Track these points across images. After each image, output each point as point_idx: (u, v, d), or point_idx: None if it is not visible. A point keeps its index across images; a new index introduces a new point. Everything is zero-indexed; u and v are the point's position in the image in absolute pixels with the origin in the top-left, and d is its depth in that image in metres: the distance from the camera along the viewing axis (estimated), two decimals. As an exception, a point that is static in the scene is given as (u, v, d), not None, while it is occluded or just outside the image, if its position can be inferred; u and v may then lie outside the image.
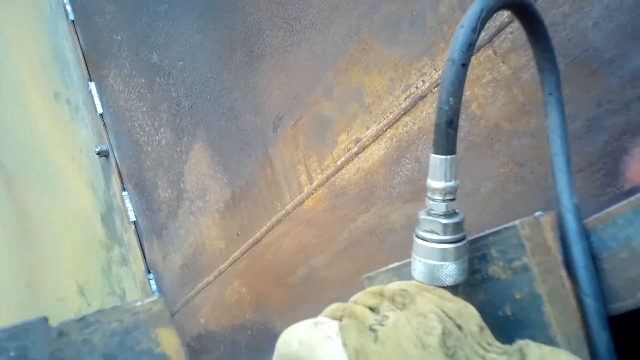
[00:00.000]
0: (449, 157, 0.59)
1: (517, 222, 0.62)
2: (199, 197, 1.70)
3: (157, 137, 1.84)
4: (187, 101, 1.63)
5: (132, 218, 2.13)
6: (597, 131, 0.81)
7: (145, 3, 1.75)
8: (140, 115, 1.92)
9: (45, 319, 0.46)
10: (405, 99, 1.03)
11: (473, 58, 0.93)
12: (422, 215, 0.63)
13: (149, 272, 2.11)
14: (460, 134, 0.96)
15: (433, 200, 0.62)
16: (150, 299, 0.50)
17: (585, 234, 0.62)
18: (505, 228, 0.63)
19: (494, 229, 0.64)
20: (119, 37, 1.97)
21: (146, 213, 2.05)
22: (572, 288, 0.62)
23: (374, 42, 1.07)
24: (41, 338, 0.45)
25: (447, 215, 0.61)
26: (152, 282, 2.11)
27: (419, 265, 0.63)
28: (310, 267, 1.34)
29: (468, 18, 0.57)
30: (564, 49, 0.81)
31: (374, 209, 1.15)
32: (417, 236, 0.63)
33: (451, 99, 0.57)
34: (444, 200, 0.61)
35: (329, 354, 0.50)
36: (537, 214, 0.65)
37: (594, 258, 0.62)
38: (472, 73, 0.93)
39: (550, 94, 0.66)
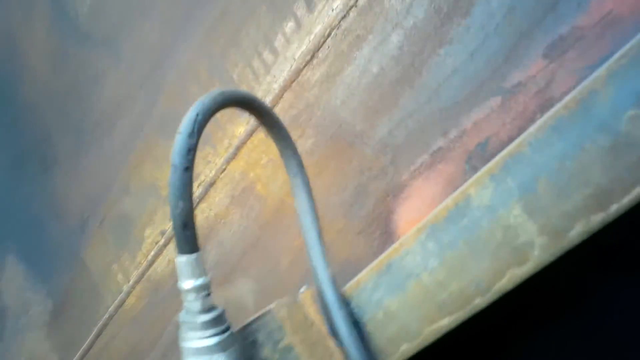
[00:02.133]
0: (192, 255, 0.60)
1: (272, 305, 0.64)
2: (23, 313, 1.59)
3: (-33, 257, 1.71)
4: (-10, 217, 1.54)
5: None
6: (365, 196, 0.86)
7: None
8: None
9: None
10: (197, 187, 1.04)
11: (248, 142, 0.96)
12: (182, 318, 0.63)
13: (-14, 402, 1.93)
14: (252, 214, 0.99)
15: (188, 300, 0.62)
16: None
17: (345, 301, 0.66)
18: (264, 313, 0.65)
19: (257, 314, 0.66)
20: None
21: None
22: (341, 357, 0.65)
23: (158, 137, 1.07)
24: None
25: (205, 311, 0.62)
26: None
27: None
28: (145, 367, 1.29)
29: (184, 124, 0.59)
30: (322, 127, 0.87)
31: (192, 298, 1.14)
32: (182, 340, 0.64)
33: (180, 203, 0.58)
34: (197, 298, 0.62)
35: None
36: (301, 289, 0.68)
37: (357, 323, 0.66)
38: (250, 157, 0.96)
39: (294, 176, 0.70)
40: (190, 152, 0.59)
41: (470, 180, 0.56)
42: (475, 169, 0.78)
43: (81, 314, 1.40)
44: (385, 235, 0.87)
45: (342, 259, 0.90)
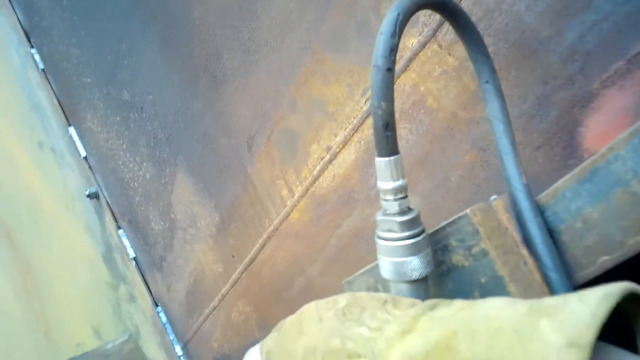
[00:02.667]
0: (392, 158, 0.61)
1: (468, 210, 0.63)
2: (191, 225, 1.72)
3: (141, 172, 1.86)
4: (163, 133, 1.65)
5: (132, 254, 2.15)
6: (547, 108, 0.82)
7: (107, 43, 1.77)
8: (121, 153, 1.94)
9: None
10: (365, 102, 1.05)
11: (421, 54, 0.94)
12: (379, 217, 0.65)
13: (157, 305, 2.13)
14: (422, 129, 0.98)
15: (386, 200, 0.64)
16: (121, 339, 0.52)
17: (539, 210, 0.64)
18: (459, 217, 0.64)
19: (449, 220, 0.66)
20: (89, 80, 1.99)
21: (144, 248, 2.07)
22: (534, 265, 0.63)
23: (327, 53, 1.08)
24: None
25: (402, 213, 0.63)
26: (162, 314, 2.12)
27: (385, 265, 0.65)
28: (306, 278, 1.35)
29: (386, 24, 0.59)
30: (503, 34, 0.83)
31: (356, 213, 1.16)
32: (378, 237, 0.65)
33: (383, 103, 0.59)
34: (395, 200, 0.63)
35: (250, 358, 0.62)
36: (492, 197, 0.67)
37: (551, 232, 0.64)
38: (422, 69, 0.94)
39: (486, 82, 0.68)
40: (393, 52, 0.59)
41: None
42: (681, 77, 0.72)
43: (246, 227, 1.48)
44: (569, 149, 0.82)
45: (519, 174, 0.88)
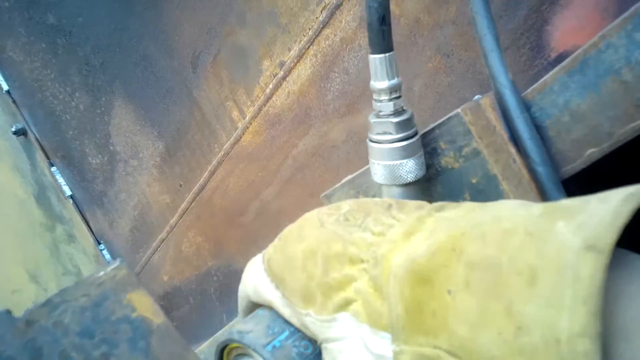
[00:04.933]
0: (387, 54, 0.58)
1: (459, 109, 0.61)
2: (132, 156, 1.64)
3: (73, 103, 1.74)
4: (97, 58, 1.54)
5: (68, 192, 2.04)
6: (515, 7, 0.80)
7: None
8: (49, 83, 1.80)
9: (8, 311, 0.43)
10: (321, 12, 1.00)
11: (382, -46, 0.90)
12: (372, 119, 0.62)
13: (99, 243, 2.06)
14: (384, 35, 0.94)
15: (380, 101, 0.61)
16: (112, 266, 0.48)
17: (526, 106, 0.63)
18: (449, 118, 0.62)
19: (438, 122, 0.64)
20: (6, 4, 1.82)
21: (81, 184, 1.97)
22: (522, 162, 0.63)
23: (278, -42, 1.02)
24: (9, 331, 0.42)
25: (397, 113, 0.61)
26: (105, 252, 2.05)
27: (378, 169, 0.62)
28: (262, 202, 1.32)
29: None
30: None
31: (313, 130, 1.13)
32: (371, 140, 0.63)
33: None
34: (390, 100, 0.61)
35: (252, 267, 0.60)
36: (475, 97, 0.65)
37: (537, 128, 0.63)
38: (384, -30, 0.90)
39: (469, -25, 0.64)
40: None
41: None
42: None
43: (193, 154, 1.43)
44: (536, 50, 0.81)
45: (484, 78, 0.86)
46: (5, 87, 2.03)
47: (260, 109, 1.19)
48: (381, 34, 0.57)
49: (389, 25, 0.57)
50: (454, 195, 0.65)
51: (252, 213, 1.36)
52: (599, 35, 0.57)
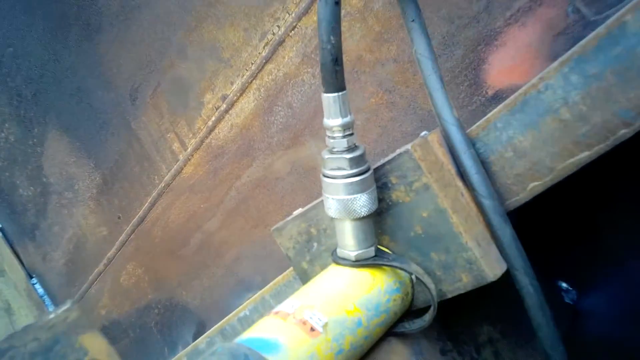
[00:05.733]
0: (340, 93, 0.60)
1: (408, 146, 0.63)
2: (67, 188, 1.59)
3: (2, 134, 1.68)
4: (29, 89, 1.50)
5: (-4, 225, 1.96)
6: (453, 47, 0.84)
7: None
8: (-24, 114, 1.74)
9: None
10: (264, 47, 1.01)
11: (323, -6, 0.92)
12: (326, 155, 0.63)
13: (31, 277, 1.98)
14: (327, 71, 0.96)
15: (333, 138, 0.62)
16: (63, 308, 0.47)
17: (471, 142, 0.66)
18: (400, 154, 0.64)
19: (388, 157, 0.66)
20: None
21: (11, 217, 1.90)
22: (470, 195, 0.65)
23: (220, -7, 1.02)
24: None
25: (350, 149, 0.62)
26: (37, 286, 1.98)
27: (332, 203, 0.63)
28: (204, 233, 1.31)
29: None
30: (409, -29, 0.83)
31: (257, 162, 1.13)
32: (325, 176, 0.64)
33: (332, 38, 0.57)
34: (344, 137, 0.62)
35: None
36: (423, 134, 0.67)
37: (483, 163, 0.66)
38: (326, 9, 0.92)
39: (412, 20, 0.67)
40: (342, -16, 0.56)
41: (628, 6, 0.54)
42: (578, 12, 0.75)
43: (132, 186, 1.40)
44: (474, 87, 0.85)
45: (425, 113, 0.89)
46: None
47: (202, 141, 1.19)
48: (334, 74, 0.58)
49: (342, 65, 0.59)
50: (404, 228, 0.67)
51: (195, 245, 1.35)
52: (538, 77, 0.60)
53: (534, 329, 0.63)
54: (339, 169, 0.63)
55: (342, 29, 0.91)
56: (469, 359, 0.82)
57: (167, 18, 1.11)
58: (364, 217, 0.64)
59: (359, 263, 0.65)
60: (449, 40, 0.84)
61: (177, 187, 1.30)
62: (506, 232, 0.62)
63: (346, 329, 0.59)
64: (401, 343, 0.70)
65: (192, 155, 1.22)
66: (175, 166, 1.26)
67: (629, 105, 0.56)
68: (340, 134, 0.62)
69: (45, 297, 1.96)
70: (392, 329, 0.69)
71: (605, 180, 0.89)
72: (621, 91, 0.56)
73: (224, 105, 1.11)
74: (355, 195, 0.62)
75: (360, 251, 0.65)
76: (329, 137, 0.63)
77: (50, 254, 1.83)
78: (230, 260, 1.28)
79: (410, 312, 0.70)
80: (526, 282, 0.61)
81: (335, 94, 0.60)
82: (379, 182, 0.67)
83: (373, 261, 0.66)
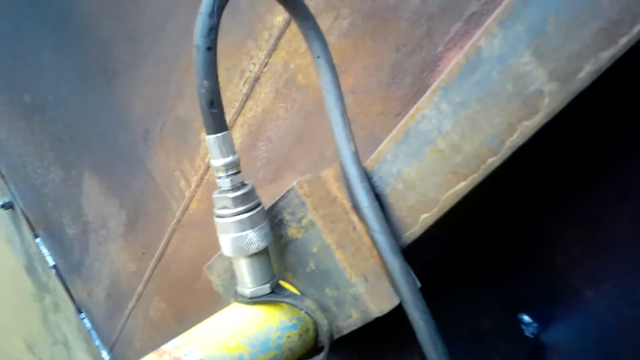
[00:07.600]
0: (219, 135, 0.61)
1: (294, 182, 0.64)
2: (102, 226, 1.69)
3: (50, 177, 1.82)
4: (66, 133, 1.62)
5: (51, 262, 2.10)
6: (401, 75, 0.84)
7: (2, 46, 1.72)
8: (29, 158, 1.89)
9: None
10: (244, 84, 1.05)
11: (287, 31, 0.95)
12: (215, 195, 0.65)
13: (80, 312, 2.09)
14: (296, 107, 0.99)
15: (219, 178, 0.64)
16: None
17: (367, 175, 0.66)
18: (288, 191, 0.65)
19: (281, 194, 0.67)
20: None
21: (62, 254, 2.03)
22: (364, 229, 0.65)
23: (203, 37, 1.08)
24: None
25: (235, 188, 0.64)
26: (85, 320, 2.08)
27: (224, 242, 0.65)
28: (211, 267, 1.35)
29: (204, 4, 0.59)
30: (356, 4, 0.85)
31: (248, 197, 1.16)
32: (215, 216, 0.66)
33: (205, 82, 0.59)
34: (228, 176, 0.63)
35: None
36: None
37: (379, 196, 0.65)
38: (290, 46, 0.95)
39: (318, 57, 0.69)
40: (212, 31, 0.59)
41: (480, 32, 0.54)
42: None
43: (151, 223, 1.47)
44: (427, 115, 0.85)
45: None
46: (-6, 162, 2.13)
47: (202, 178, 1.23)
48: (211, 117, 0.60)
49: (220, 107, 0.60)
50: (302, 264, 0.67)
51: (205, 280, 1.38)
52: (415, 106, 0.60)
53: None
54: (225, 207, 0.64)
55: (306, 62, 0.95)
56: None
57: (165, 61, 1.18)
58: (257, 254, 0.64)
59: (253, 300, 0.66)
60: (397, 68, 0.85)
61: (186, 223, 1.35)
62: (395, 265, 0.61)
63: (223, 366, 0.60)
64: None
65: (195, 192, 1.27)
66: (182, 202, 1.32)
67: (493, 133, 0.55)
68: (224, 174, 0.63)
69: (92, 332, 2.06)
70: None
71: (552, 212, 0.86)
72: (485, 118, 0.55)
73: (217, 142, 1.16)
74: (242, 233, 0.63)
75: (254, 288, 0.66)
76: (216, 177, 0.64)
77: (94, 289, 1.93)
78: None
79: (317, 348, 0.70)
80: (416, 316, 0.59)
81: (215, 136, 0.61)
82: (275, 218, 0.68)
83: (267, 298, 0.66)
